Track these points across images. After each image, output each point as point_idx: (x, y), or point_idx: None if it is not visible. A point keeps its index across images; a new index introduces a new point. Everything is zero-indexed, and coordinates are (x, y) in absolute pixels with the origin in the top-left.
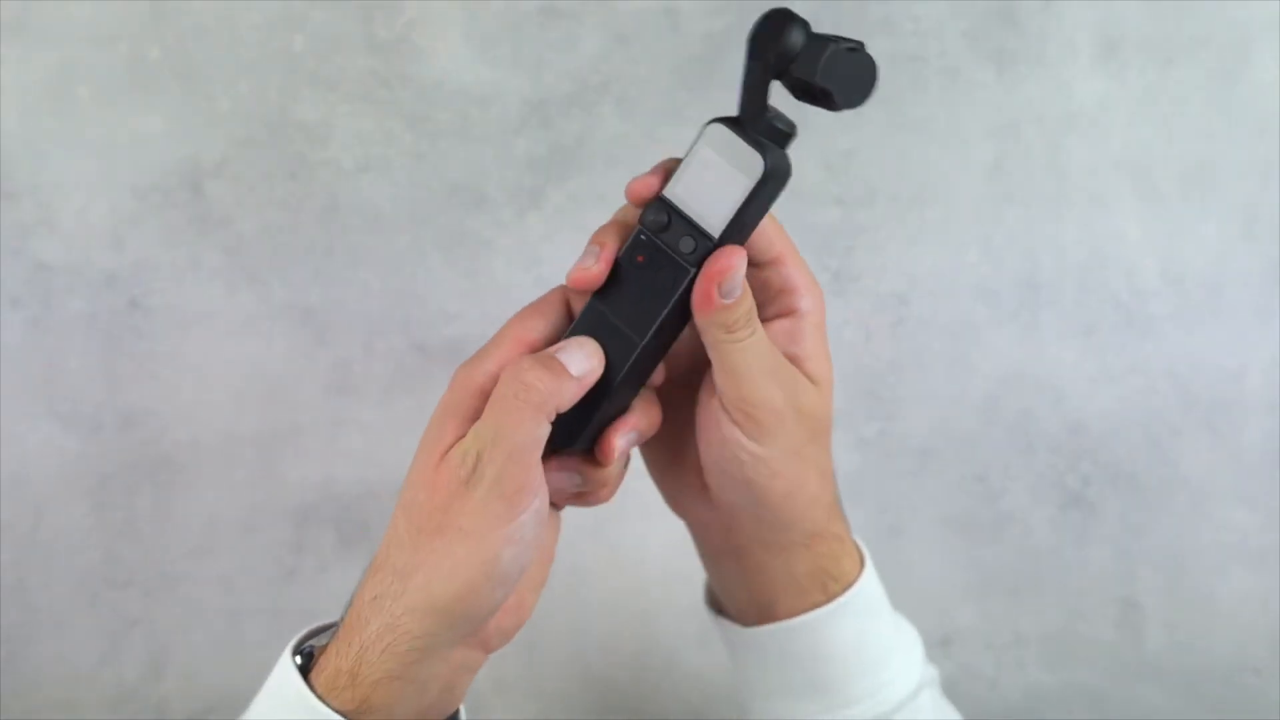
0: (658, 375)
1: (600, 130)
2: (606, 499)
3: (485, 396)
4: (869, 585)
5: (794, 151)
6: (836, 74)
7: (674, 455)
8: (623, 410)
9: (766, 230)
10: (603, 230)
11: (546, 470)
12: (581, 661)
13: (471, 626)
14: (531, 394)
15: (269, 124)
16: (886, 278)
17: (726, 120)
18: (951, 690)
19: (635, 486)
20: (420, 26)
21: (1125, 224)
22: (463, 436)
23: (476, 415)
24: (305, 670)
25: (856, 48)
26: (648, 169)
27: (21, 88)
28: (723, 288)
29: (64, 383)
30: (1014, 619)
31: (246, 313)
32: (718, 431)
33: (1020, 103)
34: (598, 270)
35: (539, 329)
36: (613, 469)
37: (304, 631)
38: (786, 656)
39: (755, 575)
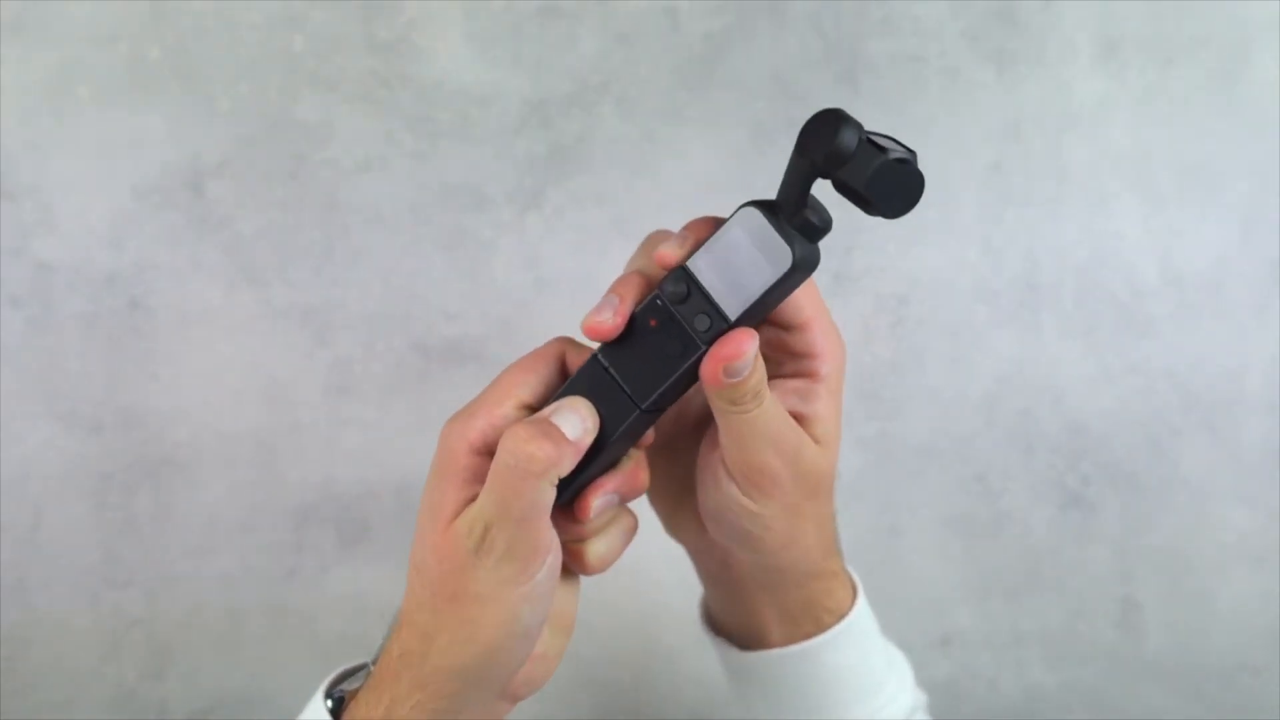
0: (648, 436)
1: (600, 130)
2: (597, 569)
3: (478, 454)
4: (861, 616)
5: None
6: (883, 186)
7: (675, 488)
8: (610, 467)
9: (797, 296)
10: (622, 282)
11: None
12: (582, 662)
13: (499, 684)
14: (533, 464)
15: (269, 124)
16: (886, 278)
17: (762, 205)
18: (951, 690)
19: None
20: (420, 26)
21: (1125, 224)
22: (464, 500)
23: (472, 475)
24: (335, 714)
25: (907, 159)
26: (674, 228)
27: (21, 88)
28: (729, 369)
29: (64, 383)
30: (1014, 619)
31: (246, 313)
32: (716, 484)
33: (1020, 103)
34: (613, 324)
35: (530, 385)
36: (590, 528)
37: (335, 674)
38: (782, 683)
39: (749, 604)
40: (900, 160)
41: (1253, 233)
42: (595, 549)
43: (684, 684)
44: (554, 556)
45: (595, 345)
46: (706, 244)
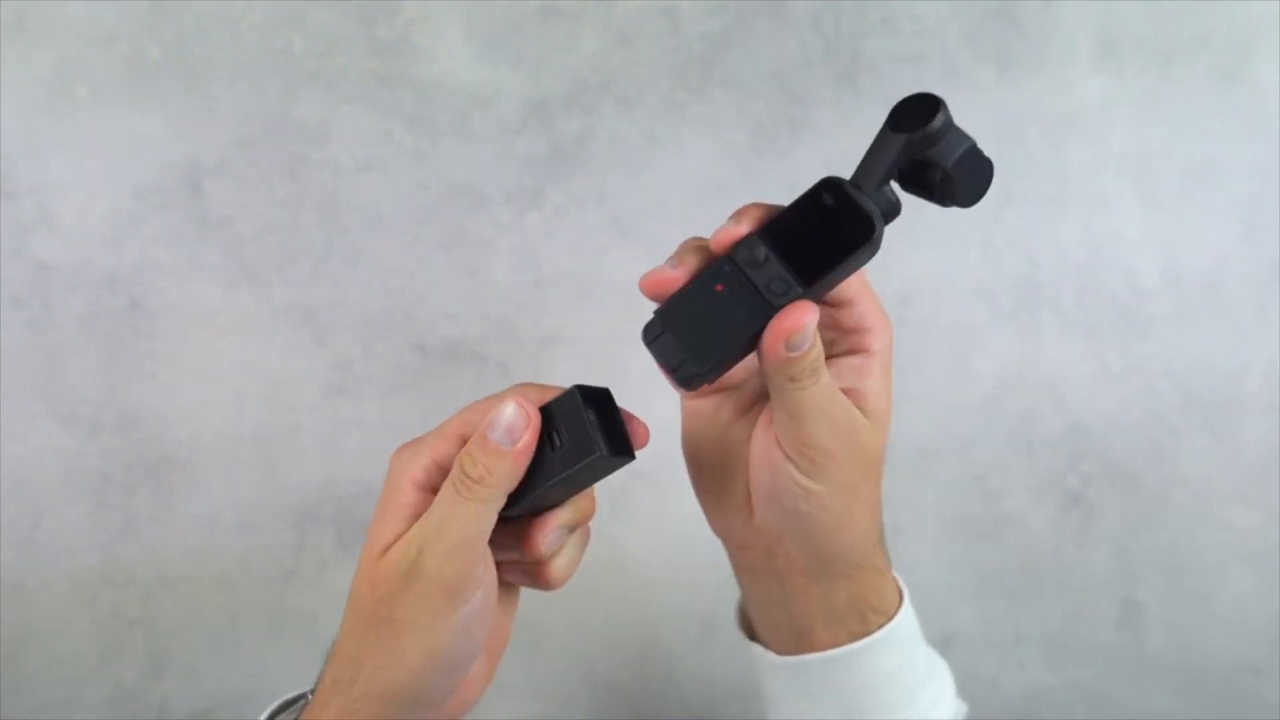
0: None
1: (600, 130)
2: (560, 583)
3: (421, 489)
4: (907, 619)
5: (796, 150)
6: (967, 169)
7: (722, 476)
8: (550, 504)
9: None
10: (685, 247)
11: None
12: (582, 662)
13: (427, 710)
14: (471, 490)
15: (269, 124)
16: (886, 278)
17: (843, 181)
18: None
19: (635, 488)
20: (420, 26)
21: (1125, 224)
22: (400, 531)
23: (412, 510)
24: None
25: (981, 151)
26: (727, 215)
27: (21, 88)
28: (791, 342)
29: (64, 383)
30: (1014, 619)
31: (246, 313)
32: (771, 463)
33: (1020, 103)
34: (676, 275)
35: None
36: (544, 553)
37: (274, 704)
38: (823, 687)
39: (794, 600)
40: (979, 148)
41: (1253, 233)
42: (558, 564)
43: (684, 684)
44: (485, 592)
45: (563, 387)
46: (782, 212)
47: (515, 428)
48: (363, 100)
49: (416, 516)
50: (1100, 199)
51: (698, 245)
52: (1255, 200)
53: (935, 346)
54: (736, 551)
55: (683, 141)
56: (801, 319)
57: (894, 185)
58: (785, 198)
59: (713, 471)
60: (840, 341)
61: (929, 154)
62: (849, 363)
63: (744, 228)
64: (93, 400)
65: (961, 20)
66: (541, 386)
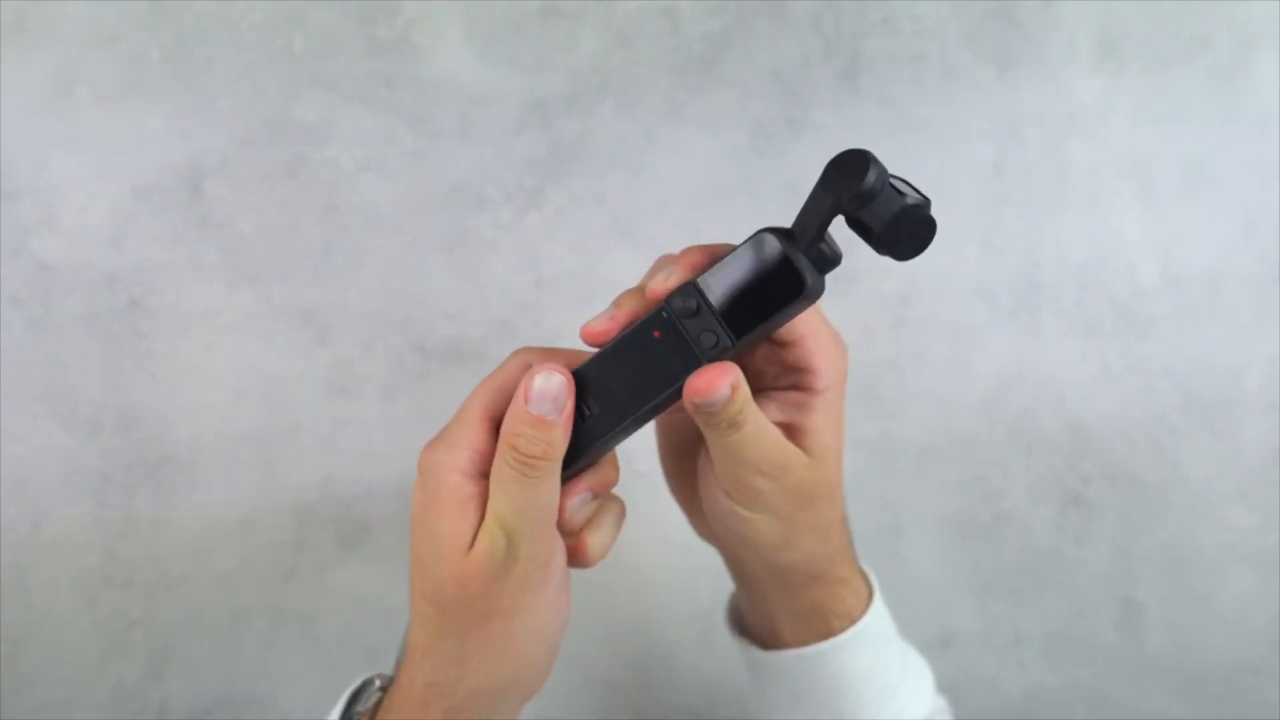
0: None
1: (600, 130)
2: (598, 558)
3: (474, 479)
4: (875, 620)
5: (796, 150)
6: (900, 230)
7: (690, 486)
8: (591, 465)
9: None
10: (627, 294)
11: None
12: (582, 661)
13: (530, 692)
14: (535, 468)
15: (269, 124)
16: (886, 278)
17: (779, 232)
18: (951, 690)
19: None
20: (420, 26)
21: (1125, 224)
22: (472, 525)
23: (474, 499)
24: None
25: (923, 205)
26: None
27: (21, 88)
28: (699, 404)
29: (64, 383)
30: (1014, 619)
31: (246, 313)
32: (712, 493)
33: (1020, 103)
34: (604, 329)
35: (501, 405)
36: (576, 523)
37: (346, 695)
38: (798, 683)
39: (760, 601)
40: (917, 206)
41: (1253, 233)
42: (594, 541)
43: (684, 684)
44: (563, 552)
45: (559, 348)
46: (719, 264)
47: (556, 395)
48: (363, 100)
49: (482, 506)
50: (1100, 199)
51: (636, 292)
52: (1255, 200)
53: (935, 346)
54: (720, 553)
55: (683, 141)
56: (711, 384)
57: (830, 235)
58: (785, 198)
59: (682, 481)
60: (784, 376)
61: (860, 214)
62: (791, 397)
63: (674, 280)
64: (93, 400)
65: (961, 20)
66: (541, 350)
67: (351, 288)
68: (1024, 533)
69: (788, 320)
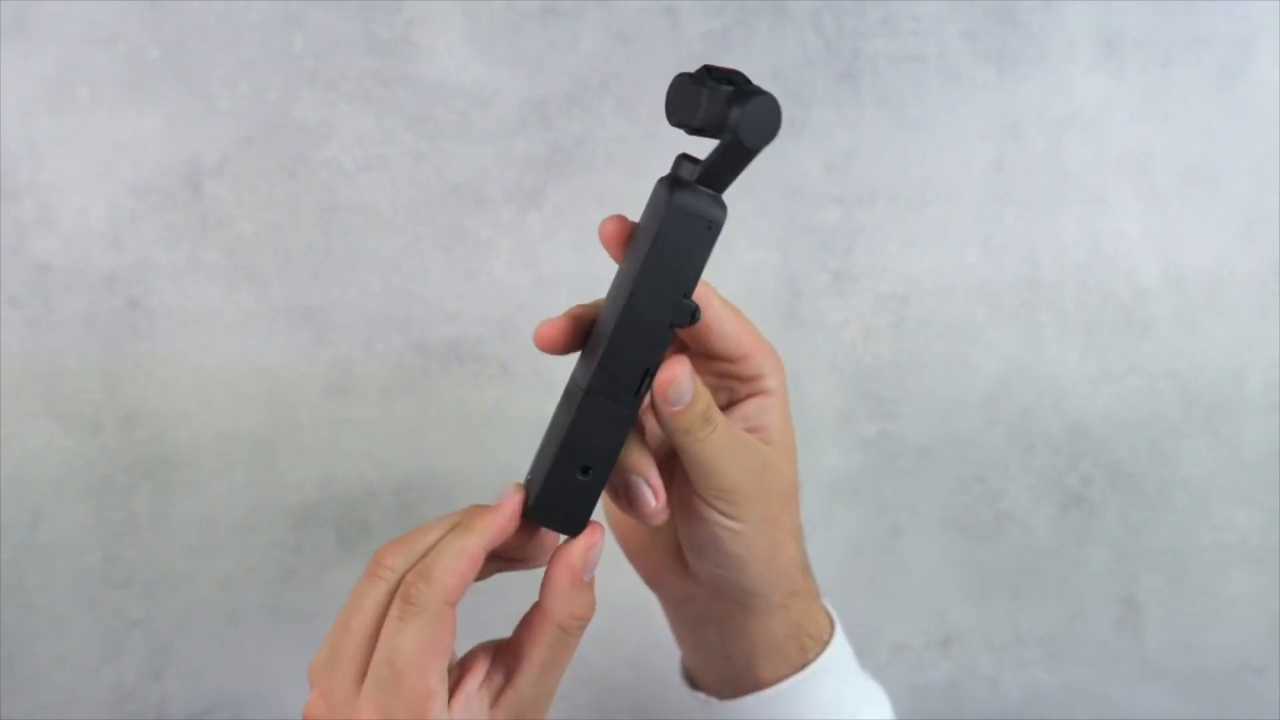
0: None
1: (600, 130)
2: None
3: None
4: (840, 645)
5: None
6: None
7: (649, 541)
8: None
9: (727, 328)
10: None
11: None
12: (581, 661)
13: None
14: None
15: (269, 124)
16: (886, 278)
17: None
18: (952, 690)
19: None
20: (420, 26)
21: (1125, 224)
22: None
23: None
24: None
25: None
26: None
27: (21, 88)
28: (668, 396)
29: (64, 383)
30: (1014, 619)
31: (246, 313)
32: (694, 513)
33: (1020, 102)
34: (559, 324)
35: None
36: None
37: None
38: None
39: (736, 639)
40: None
41: (1253, 233)
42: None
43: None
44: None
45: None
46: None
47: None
48: (363, 100)
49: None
50: (1100, 199)
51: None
52: (1255, 200)
53: (935, 346)
54: (676, 608)
55: (683, 142)
56: (672, 371)
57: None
58: (784, 198)
59: (639, 539)
60: (741, 389)
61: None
62: (748, 406)
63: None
64: (93, 400)
65: (961, 20)
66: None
67: (351, 288)
68: (1024, 533)
69: (692, 257)
